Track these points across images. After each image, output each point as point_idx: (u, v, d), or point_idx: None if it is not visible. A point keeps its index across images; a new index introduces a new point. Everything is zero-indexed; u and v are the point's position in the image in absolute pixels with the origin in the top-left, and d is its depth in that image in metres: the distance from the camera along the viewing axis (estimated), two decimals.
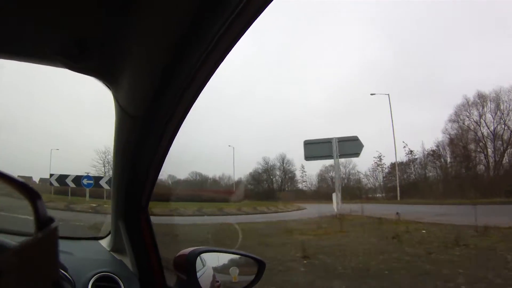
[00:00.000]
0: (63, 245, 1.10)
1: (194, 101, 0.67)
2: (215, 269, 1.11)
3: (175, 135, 0.75)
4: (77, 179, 13.42)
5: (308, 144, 12.51)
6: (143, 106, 0.69)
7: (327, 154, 12.20)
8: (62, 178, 13.71)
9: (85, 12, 0.52)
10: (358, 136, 11.99)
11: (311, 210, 13.34)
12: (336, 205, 11.58)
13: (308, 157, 12.94)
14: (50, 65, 0.64)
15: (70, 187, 13.63)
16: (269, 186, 23.95)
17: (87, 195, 12.92)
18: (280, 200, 20.05)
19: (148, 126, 0.73)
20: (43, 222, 0.36)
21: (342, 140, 11.93)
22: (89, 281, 0.98)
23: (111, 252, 1.20)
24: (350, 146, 12.00)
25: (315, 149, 12.36)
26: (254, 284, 1.06)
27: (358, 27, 29.43)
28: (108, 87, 0.70)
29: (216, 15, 0.49)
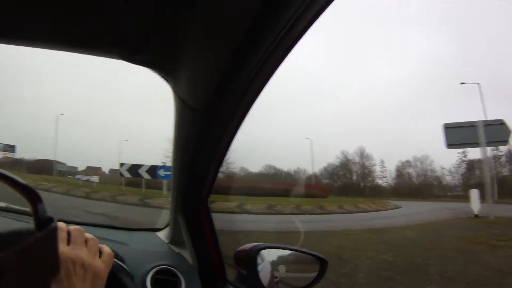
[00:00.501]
0: (118, 235, 1.14)
1: (258, 95, 0.66)
2: (274, 265, 1.13)
3: (239, 127, 0.75)
4: (152, 170, 12.08)
5: (449, 128, 9.80)
6: (204, 100, 0.69)
7: (472, 141, 9.74)
8: (134, 168, 12.56)
9: (145, 4, 0.52)
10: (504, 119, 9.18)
11: (410, 209, 11.85)
12: (476, 203, 9.56)
13: (451, 144, 10.10)
14: (108, 57, 0.64)
15: (144, 179, 12.53)
16: (347, 181, 23.55)
17: (164, 187, 11.46)
18: (362, 196, 19.09)
19: (210, 119, 0.73)
20: (43, 222, 0.38)
21: (485, 125, 9.53)
22: (148, 273, 1.00)
23: (169, 245, 1.22)
24: (495, 131, 9.53)
25: (458, 135, 9.85)
26: (316, 282, 1.06)
27: None
28: (166, 80, 0.70)
29: (284, 7, 0.48)
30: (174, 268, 1.01)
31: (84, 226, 1.03)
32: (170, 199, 1.07)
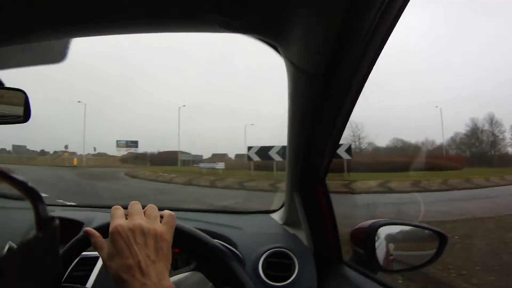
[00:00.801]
0: (233, 220, 1.27)
1: (377, 57, 0.61)
2: (389, 242, 1.02)
3: (358, 95, 0.69)
4: (284, 151, 11.91)
5: None
6: (322, 63, 0.62)
7: None
8: (264, 151, 11.85)
9: None
10: None
11: None
12: None
13: None
14: (208, 30, 0.58)
15: (275, 161, 11.71)
16: (477, 151, 22.30)
17: None
18: (492, 167, 17.25)
19: (329, 84, 0.66)
20: (43, 221, 0.38)
21: None
22: (260, 257, 1.00)
23: (284, 226, 1.21)
24: None
25: None
26: (435, 260, 0.96)
27: None
28: (275, 46, 0.64)
29: None
30: (288, 250, 1.01)
31: (196, 213, 1.42)
32: (286, 179, 1.04)
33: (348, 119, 0.76)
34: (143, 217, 0.59)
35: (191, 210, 1.49)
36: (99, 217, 1.25)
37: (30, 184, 0.38)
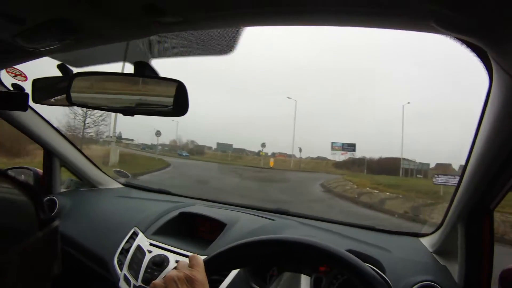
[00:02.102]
0: (380, 239, 1.28)
1: None
2: None
3: None
4: None
5: None
6: None
7: None
8: None
9: None
10: None
11: None
12: None
13: None
14: (420, 29, 0.54)
15: None
16: None
17: None
18: None
19: None
20: (43, 221, 0.39)
21: None
22: None
23: (434, 254, 1.13)
24: None
25: None
26: None
27: None
28: (486, 50, 0.56)
29: None
30: (438, 284, 0.96)
31: (342, 226, 1.45)
32: (450, 204, 1.01)
33: None
34: (186, 268, 0.69)
35: (337, 222, 1.46)
36: (244, 218, 1.37)
37: (30, 184, 0.40)
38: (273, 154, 31.82)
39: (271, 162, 25.15)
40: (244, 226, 1.30)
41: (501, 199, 0.86)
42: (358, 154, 26.54)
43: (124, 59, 0.96)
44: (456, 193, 0.95)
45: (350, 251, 0.85)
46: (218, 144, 33.54)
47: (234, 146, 33.90)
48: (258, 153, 30.35)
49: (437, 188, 10.14)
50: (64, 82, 0.87)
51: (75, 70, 0.90)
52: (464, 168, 0.87)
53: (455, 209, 0.99)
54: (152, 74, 0.76)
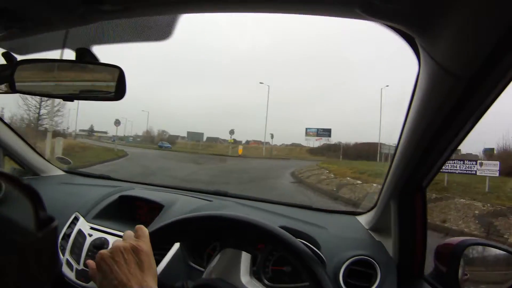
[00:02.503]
0: (317, 218, 1.35)
1: None
2: (467, 259, 0.97)
3: (493, 103, 0.65)
4: None
5: None
6: (474, 66, 0.57)
7: None
8: None
9: None
10: None
11: None
12: None
13: None
14: (347, 16, 0.57)
15: None
16: None
17: None
18: None
19: (474, 88, 0.63)
20: (43, 221, 0.40)
21: None
22: (343, 263, 1.02)
23: (370, 231, 1.19)
24: None
25: None
26: None
27: None
28: (414, 39, 0.61)
29: None
30: (372, 259, 1.02)
31: (282, 206, 1.49)
32: (384, 182, 1.06)
33: (472, 129, 0.74)
34: (132, 239, 0.69)
35: (277, 203, 1.52)
36: (182, 200, 1.41)
37: (30, 184, 0.40)
38: (247, 142, 31.64)
39: (240, 150, 24.35)
40: (181, 207, 1.34)
41: (432, 177, 0.93)
42: (334, 139, 26.58)
43: (63, 46, 0.98)
44: (388, 172, 1.01)
45: (283, 227, 0.87)
46: (189, 133, 32.86)
47: (209, 136, 33.49)
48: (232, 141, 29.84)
49: None
50: (7, 70, 0.88)
51: (20, 58, 0.90)
52: (396, 148, 0.92)
53: (388, 187, 1.03)
54: (93, 60, 0.79)
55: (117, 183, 1.77)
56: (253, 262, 1.03)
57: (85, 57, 0.79)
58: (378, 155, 19.41)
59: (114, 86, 0.79)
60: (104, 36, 0.91)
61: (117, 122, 20.74)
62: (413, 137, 0.82)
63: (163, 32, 0.87)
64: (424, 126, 0.77)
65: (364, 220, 1.29)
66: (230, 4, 0.60)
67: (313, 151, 26.45)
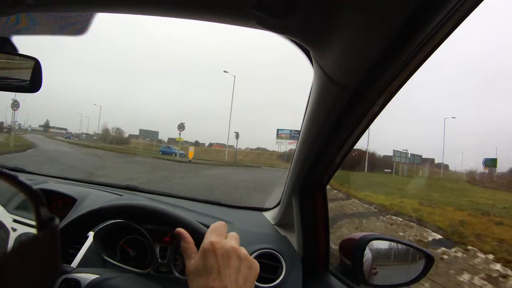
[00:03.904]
0: (226, 213, 1.46)
1: (406, 82, 0.68)
2: (374, 255, 1.09)
3: (380, 112, 0.77)
4: None
5: None
6: (356, 78, 0.68)
7: None
8: None
9: None
10: None
11: None
12: None
13: None
14: (244, 24, 0.63)
15: None
16: None
17: None
18: None
19: (358, 98, 0.73)
20: (43, 221, 0.40)
21: None
22: (251, 255, 1.08)
23: (275, 226, 1.31)
24: None
25: None
26: (417, 280, 1.03)
27: None
28: (307, 51, 0.70)
29: None
30: (277, 252, 1.11)
31: (191, 202, 1.56)
32: (287, 179, 1.17)
33: (362, 134, 0.86)
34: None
35: (187, 198, 1.60)
36: (94, 194, 1.46)
37: (30, 184, 0.41)
38: (211, 145, 30.47)
39: (190, 153, 20.43)
40: (93, 200, 1.40)
41: (330, 176, 1.04)
42: None
43: None
44: (292, 171, 1.13)
45: None
46: (141, 131, 30.45)
47: (170, 136, 31.37)
48: (194, 143, 28.00)
49: None
50: None
51: None
52: (295, 149, 1.04)
53: (289, 185, 1.16)
54: (12, 50, 0.82)
55: (31, 176, 1.78)
56: (163, 256, 1.10)
57: (5, 47, 0.82)
58: (366, 164, 19.71)
59: (29, 76, 0.82)
60: (26, 28, 0.91)
61: (15, 105, 16.29)
62: (308, 140, 0.93)
63: (81, 28, 0.88)
64: (316, 130, 0.89)
65: (270, 215, 1.40)
66: (147, 6, 0.63)
67: (284, 157, 25.33)
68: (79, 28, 0.88)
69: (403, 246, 1.10)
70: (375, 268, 1.10)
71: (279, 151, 26.17)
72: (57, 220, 0.42)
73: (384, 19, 0.53)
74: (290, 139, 24.82)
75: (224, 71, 25.83)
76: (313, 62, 0.73)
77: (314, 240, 1.10)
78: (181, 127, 21.11)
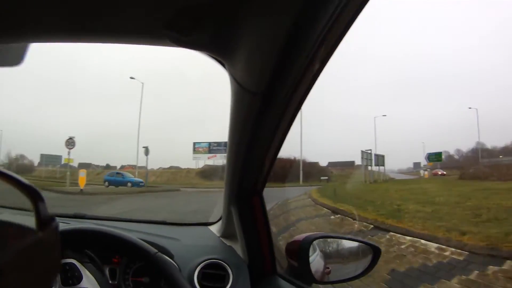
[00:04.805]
0: (172, 231, 1.50)
1: (316, 79, 0.73)
2: (326, 254, 1.19)
3: (296, 114, 0.83)
4: None
5: None
6: (263, 82, 0.74)
7: None
8: None
9: None
10: None
11: None
12: None
13: None
14: (158, 43, 0.68)
15: None
16: None
17: None
18: None
19: (268, 102, 0.79)
20: (44, 221, 0.41)
21: None
22: (196, 268, 1.15)
23: (221, 238, 1.37)
24: None
25: None
26: (369, 271, 1.11)
27: None
28: (222, 63, 0.76)
29: None
30: (223, 261, 1.16)
31: (137, 224, 1.58)
32: (224, 191, 1.25)
33: (286, 136, 0.90)
34: None
35: (134, 221, 1.63)
36: None
37: (31, 184, 0.42)
38: (122, 167, 27.49)
39: (81, 179, 15.02)
40: None
41: (264, 182, 1.09)
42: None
43: None
44: (226, 182, 1.19)
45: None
46: (42, 156, 26.20)
47: (81, 161, 26.47)
48: (106, 166, 25.66)
49: None
50: None
51: None
52: (227, 161, 1.08)
53: (226, 196, 1.22)
54: None
55: None
56: (113, 276, 1.13)
57: None
58: (301, 174, 18.92)
59: None
60: None
61: None
62: (233, 150, 1.00)
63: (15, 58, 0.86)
64: (238, 138, 0.95)
65: (215, 229, 1.48)
66: (62, 33, 0.64)
67: (204, 174, 22.64)
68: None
69: (352, 242, 1.20)
70: (328, 268, 1.17)
71: (196, 167, 23.97)
72: (57, 221, 0.44)
73: (277, 23, 0.58)
74: (209, 152, 21.89)
75: (131, 77, 22.44)
76: (228, 73, 0.78)
77: (258, 246, 1.16)
78: (71, 143, 15.79)
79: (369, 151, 16.81)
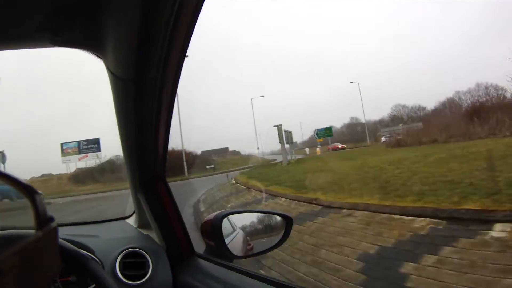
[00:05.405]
0: (89, 230, 1.57)
1: (183, 60, 0.76)
2: (247, 231, 1.26)
3: (174, 95, 0.86)
4: None
5: None
6: (132, 69, 0.77)
7: None
8: None
9: None
10: None
11: None
12: None
13: None
14: (34, 46, 0.71)
15: None
16: None
17: None
18: None
19: (142, 87, 0.82)
20: (43, 221, 0.41)
21: None
22: (116, 259, 1.19)
23: (138, 229, 1.44)
24: None
25: None
26: (284, 241, 1.19)
27: None
28: (98, 56, 0.80)
29: None
30: (141, 249, 1.21)
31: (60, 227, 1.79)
32: (128, 181, 1.28)
33: (170, 118, 0.92)
34: None
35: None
36: None
37: (30, 184, 0.42)
38: None
39: None
40: None
41: (163, 166, 1.12)
42: (107, 154, 21.00)
43: None
44: (127, 172, 1.22)
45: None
46: None
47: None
48: None
49: None
50: None
51: None
52: (122, 151, 1.10)
53: (131, 185, 1.26)
54: None
55: None
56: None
57: None
58: (185, 166, 17.87)
59: None
60: None
61: None
62: (124, 139, 1.03)
63: None
64: (125, 127, 0.99)
65: (132, 221, 1.52)
66: None
67: (78, 178, 20.52)
68: None
69: (268, 216, 1.25)
70: (250, 244, 1.24)
71: (68, 172, 21.34)
72: (55, 220, 0.44)
73: (131, 3, 0.59)
74: (79, 153, 19.62)
75: None
76: (105, 66, 0.81)
77: (171, 230, 1.20)
78: None
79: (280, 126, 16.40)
